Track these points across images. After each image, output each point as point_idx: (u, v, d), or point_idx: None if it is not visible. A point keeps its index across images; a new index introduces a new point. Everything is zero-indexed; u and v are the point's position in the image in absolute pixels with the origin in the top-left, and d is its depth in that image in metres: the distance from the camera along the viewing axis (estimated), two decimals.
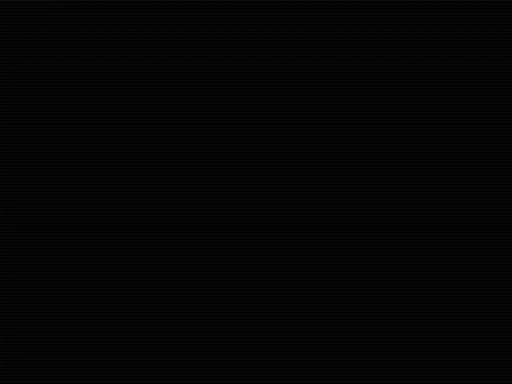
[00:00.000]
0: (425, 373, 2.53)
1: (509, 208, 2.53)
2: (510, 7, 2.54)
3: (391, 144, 2.55)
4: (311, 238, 2.54)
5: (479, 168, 2.54)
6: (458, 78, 2.55)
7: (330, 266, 2.54)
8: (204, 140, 2.57)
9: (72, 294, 2.54)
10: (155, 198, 2.55)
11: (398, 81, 2.56)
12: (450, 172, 2.54)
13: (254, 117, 2.56)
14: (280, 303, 2.54)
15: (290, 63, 2.56)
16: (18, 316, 2.54)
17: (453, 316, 2.53)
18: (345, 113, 2.56)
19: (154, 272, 2.54)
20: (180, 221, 2.55)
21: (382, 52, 2.55)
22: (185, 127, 2.57)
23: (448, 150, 2.55)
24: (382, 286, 2.53)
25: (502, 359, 2.51)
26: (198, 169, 2.56)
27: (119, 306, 2.54)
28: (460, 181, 2.54)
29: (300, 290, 2.54)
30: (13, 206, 2.55)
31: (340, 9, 2.55)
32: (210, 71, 2.57)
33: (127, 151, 2.56)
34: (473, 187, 2.54)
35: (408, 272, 2.53)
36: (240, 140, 2.56)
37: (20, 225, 2.54)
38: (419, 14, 2.55)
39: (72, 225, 2.55)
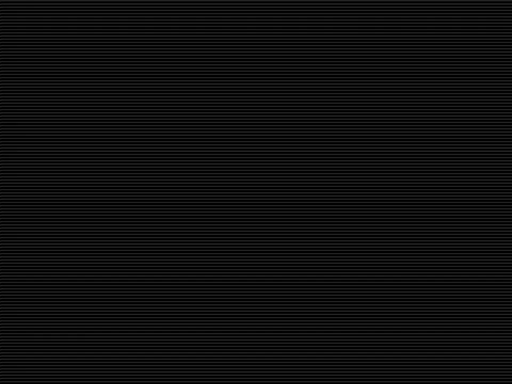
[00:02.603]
0: (424, 372, 2.53)
1: (509, 208, 2.53)
2: (510, 7, 2.55)
3: (390, 144, 2.55)
4: (310, 237, 2.54)
5: (479, 168, 2.54)
6: (458, 78, 2.55)
7: (330, 266, 2.54)
8: (203, 140, 2.57)
9: (70, 294, 2.54)
10: (153, 198, 2.55)
11: (397, 81, 2.56)
12: (450, 172, 2.55)
13: (253, 117, 2.56)
14: (280, 303, 2.54)
15: (290, 63, 2.56)
16: (17, 316, 2.54)
17: (453, 315, 2.53)
18: (345, 114, 2.56)
19: (154, 273, 2.54)
20: (178, 221, 2.55)
21: (382, 52, 2.55)
22: (184, 127, 2.57)
23: (448, 150, 2.55)
24: (382, 285, 2.54)
25: (502, 360, 2.52)
26: (196, 169, 2.56)
27: (117, 305, 2.54)
28: (459, 180, 2.54)
29: (300, 290, 2.54)
30: (12, 206, 2.55)
31: (339, 9, 2.56)
32: (210, 71, 2.57)
33: (125, 151, 2.56)
34: (473, 187, 2.54)
35: (407, 271, 2.53)
36: (240, 140, 2.56)
37: (18, 225, 2.55)
38: (419, 14, 2.55)
39: (70, 225, 2.55)
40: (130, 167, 2.56)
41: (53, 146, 2.56)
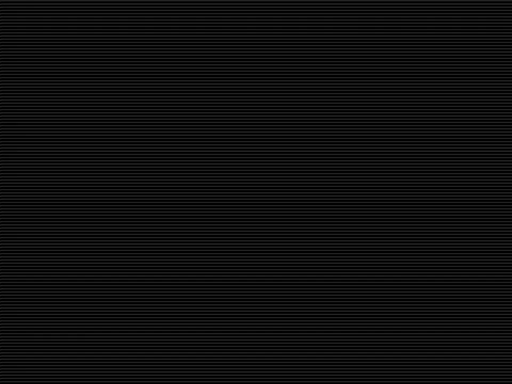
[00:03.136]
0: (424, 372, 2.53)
1: (509, 208, 2.53)
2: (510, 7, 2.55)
3: (390, 144, 2.55)
4: (310, 237, 2.54)
5: (478, 168, 2.54)
6: (458, 78, 2.55)
7: (330, 266, 2.54)
8: (203, 140, 2.57)
9: (70, 294, 2.54)
10: (153, 198, 2.55)
11: (397, 81, 2.56)
12: (450, 172, 2.55)
13: (253, 117, 2.57)
14: (280, 303, 2.54)
15: (290, 63, 2.56)
16: (17, 316, 2.54)
17: (453, 315, 2.53)
18: (345, 114, 2.56)
19: (154, 273, 2.54)
20: (178, 221, 2.55)
21: (382, 52, 2.55)
22: (184, 128, 2.57)
23: (448, 150, 2.55)
24: (382, 285, 2.54)
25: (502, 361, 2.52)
26: (196, 169, 2.56)
27: (117, 305, 2.54)
28: (459, 181, 2.54)
29: (300, 290, 2.54)
30: (12, 206, 2.55)
31: (339, 9, 2.56)
32: (210, 71, 2.57)
33: (125, 151, 2.56)
34: (473, 187, 2.54)
35: (407, 271, 2.54)
36: (240, 140, 2.56)
37: (18, 225, 2.55)
38: (419, 14, 2.56)
39: (70, 225, 2.55)
40: (131, 167, 2.56)
41: (53, 146, 2.56)
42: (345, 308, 2.53)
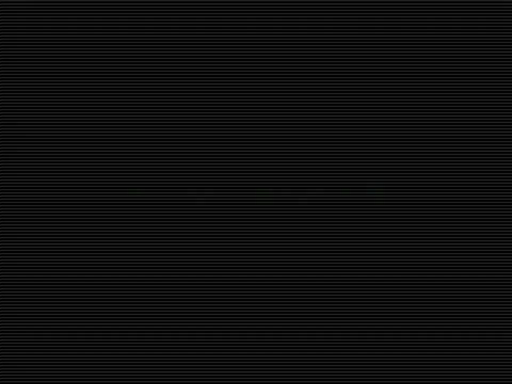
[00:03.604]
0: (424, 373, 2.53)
1: (509, 208, 2.53)
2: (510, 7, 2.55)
3: (390, 144, 2.56)
4: (310, 238, 2.55)
5: (479, 168, 2.54)
6: (458, 78, 2.55)
7: (330, 266, 2.54)
8: (203, 140, 2.57)
9: (70, 295, 2.54)
10: (153, 198, 2.56)
11: (397, 81, 2.56)
12: (450, 172, 2.55)
13: (253, 117, 2.57)
14: (279, 303, 2.54)
15: (290, 63, 2.57)
16: (17, 316, 2.54)
17: (453, 315, 2.53)
18: (345, 114, 2.56)
19: (153, 273, 2.54)
20: (178, 222, 2.55)
21: (382, 52, 2.56)
22: (184, 128, 2.57)
23: (448, 150, 2.55)
24: (382, 286, 2.54)
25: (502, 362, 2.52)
26: (196, 169, 2.56)
27: (117, 305, 2.54)
28: (459, 181, 2.55)
29: (300, 290, 2.54)
30: (12, 206, 2.55)
31: (340, 9, 2.56)
32: (210, 71, 2.57)
33: (126, 151, 2.56)
34: (473, 187, 2.54)
35: (407, 272, 2.54)
36: (240, 140, 2.57)
37: (18, 225, 2.55)
38: (419, 14, 2.56)
39: (70, 225, 2.55)
40: (131, 167, 2.56)
41: (53, 146, 2.56)
42: (345, 308, 2.54)
